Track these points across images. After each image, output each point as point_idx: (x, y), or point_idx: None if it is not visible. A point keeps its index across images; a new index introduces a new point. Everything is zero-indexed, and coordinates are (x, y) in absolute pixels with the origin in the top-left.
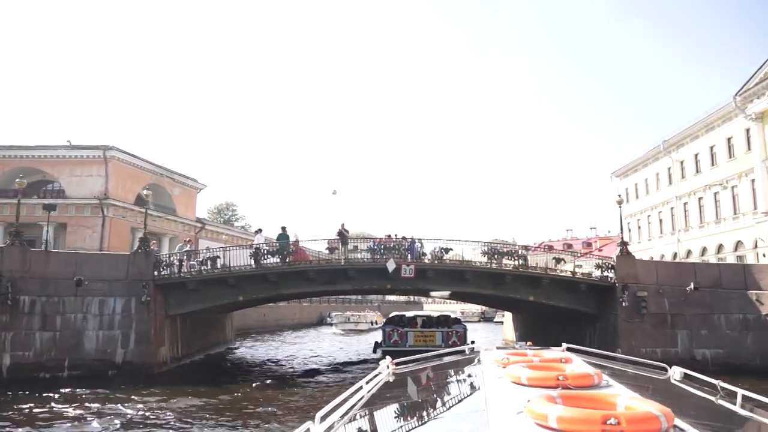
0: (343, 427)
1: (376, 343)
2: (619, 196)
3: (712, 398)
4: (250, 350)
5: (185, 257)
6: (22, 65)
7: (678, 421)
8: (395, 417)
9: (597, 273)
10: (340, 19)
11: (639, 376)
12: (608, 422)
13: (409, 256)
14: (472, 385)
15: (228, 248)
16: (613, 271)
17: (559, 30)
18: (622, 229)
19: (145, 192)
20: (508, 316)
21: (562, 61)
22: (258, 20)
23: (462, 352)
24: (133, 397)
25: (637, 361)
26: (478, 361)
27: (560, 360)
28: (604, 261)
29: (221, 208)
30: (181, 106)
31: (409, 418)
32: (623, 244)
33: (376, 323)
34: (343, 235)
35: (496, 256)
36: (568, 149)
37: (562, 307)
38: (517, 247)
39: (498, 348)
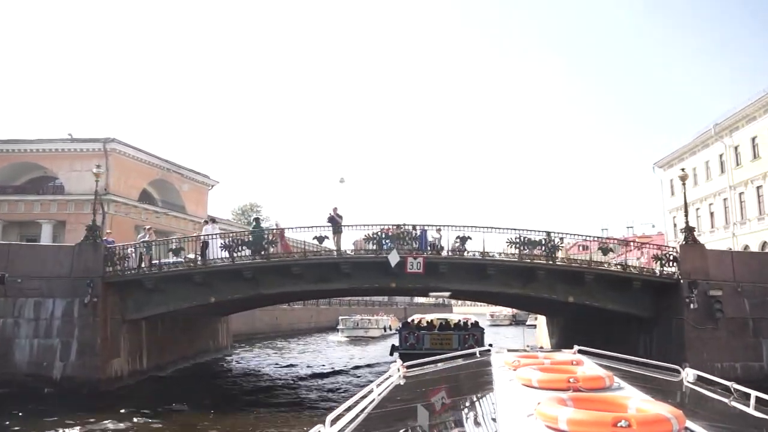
0: (354, 430)
1: (393, 346)
2: (683, 170)
3: (726, 400)
4: (246, 359)
5: (144, 249)
6: (26, 60)
7: (690, 423)
8: (405, 420)
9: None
10: (355, 9)
11: (651, 378)
12: (619, 424)
13: (415, 245)
14: (482, 388)
15: (182, 239)
16: (676, 264)
17: (583, 25)
18: (686, 210)
19: (95, 169)
20: (541, 320)
21: (590, 57)
22: (272, 13)
23: (473, 354)
24: (66, 421)
25: (650, 363)
26: (489, 363)
27: (571, 362)
28: (664, 252)
29: (245, 209)
30: (190, 104)
31: (419, 422)
32: (689, 231)
33: (391, 328)
34: (335, 221)
35: (526, 246)
36: (602, 147)
37: (610, 309)
38: (552, 235)
39: (509, 350)
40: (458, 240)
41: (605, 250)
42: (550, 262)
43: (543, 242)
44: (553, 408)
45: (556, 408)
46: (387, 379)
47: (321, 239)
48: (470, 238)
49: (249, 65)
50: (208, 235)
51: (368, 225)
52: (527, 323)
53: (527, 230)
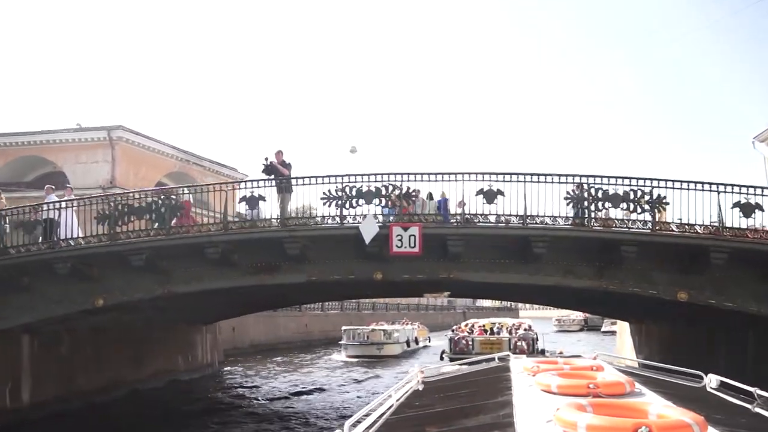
0: None
1: (442, 351)
2: None
3: (749, 406)
4: (232, 381)
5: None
6: (40, 53)
7: (711, 429)
8: (423, 426)
9: None
10: None
11: (673, 384)
12: (639, 431)
13: (406, 206)
14: (501, 394)
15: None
16: None
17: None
18: None
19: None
20: (623, 327)
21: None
22: None
23: (492, 359)
24: None
25: (672, 369)
26: (508, 369)
27: (591, 368)
28: None
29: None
30: (203, 94)
31: (436, 427)
32: None
33: (417, 341)
34: (276, 171)
35: (603, 203)
36: (686, 130)
37: (753, 312)
38: (650, 182)
39: (528, 356)
40: (481, 195)
41: (748, 209)
42: (647, 230)
43: (633, 197)
44: (572, 414)
45: (576, 414)
46: (405, 384)
47: (254, 202)
48: (501, 194)
49: (259, 43)
50: (54, 202)
51: (336, 176)
52: (603, 329)
53: (601, 176)
